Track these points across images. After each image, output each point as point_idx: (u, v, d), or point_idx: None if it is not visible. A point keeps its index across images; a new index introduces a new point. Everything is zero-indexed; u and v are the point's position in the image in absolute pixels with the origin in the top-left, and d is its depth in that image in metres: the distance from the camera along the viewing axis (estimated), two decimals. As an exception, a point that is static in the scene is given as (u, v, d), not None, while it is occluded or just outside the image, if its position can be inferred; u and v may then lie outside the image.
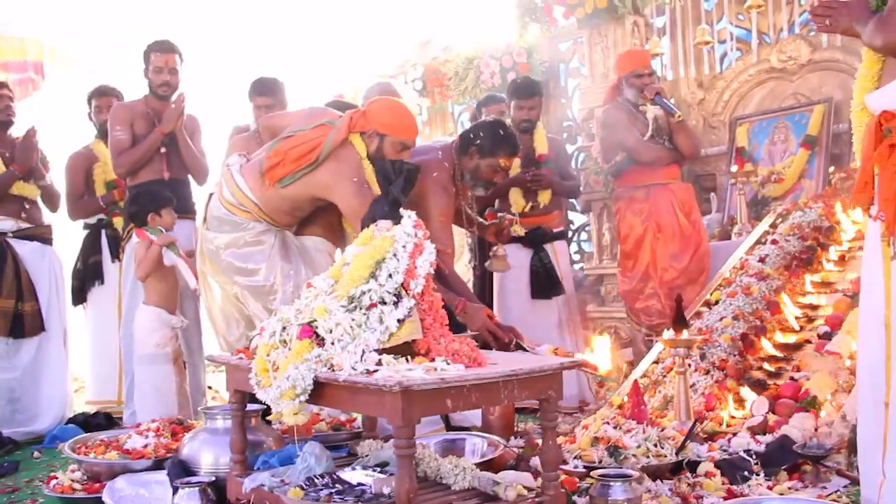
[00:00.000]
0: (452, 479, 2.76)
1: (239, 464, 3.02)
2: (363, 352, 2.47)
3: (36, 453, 4.59)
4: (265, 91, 4.91)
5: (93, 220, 5.62)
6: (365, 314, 2.57)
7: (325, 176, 3.75)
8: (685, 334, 3.72)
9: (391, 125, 3.81)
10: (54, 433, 4.76)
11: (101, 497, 3.22)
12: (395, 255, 2.67)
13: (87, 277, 5.55)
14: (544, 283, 5.27)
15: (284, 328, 2.68)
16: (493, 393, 2.45)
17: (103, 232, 5.57)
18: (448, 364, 2.45)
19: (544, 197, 5.34)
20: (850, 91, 5.79)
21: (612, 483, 2.91)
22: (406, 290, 2.63)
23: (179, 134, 5.03)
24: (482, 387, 2.41)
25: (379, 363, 2.44)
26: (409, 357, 2.51)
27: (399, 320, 2.56)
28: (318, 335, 2.59)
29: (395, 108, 3.92)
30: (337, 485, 2.72)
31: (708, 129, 6.70)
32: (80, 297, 5.55)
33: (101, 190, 5.56)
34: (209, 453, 3.25)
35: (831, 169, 5.57)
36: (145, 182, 4.99)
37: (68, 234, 5.69)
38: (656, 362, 4.42)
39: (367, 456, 3.08)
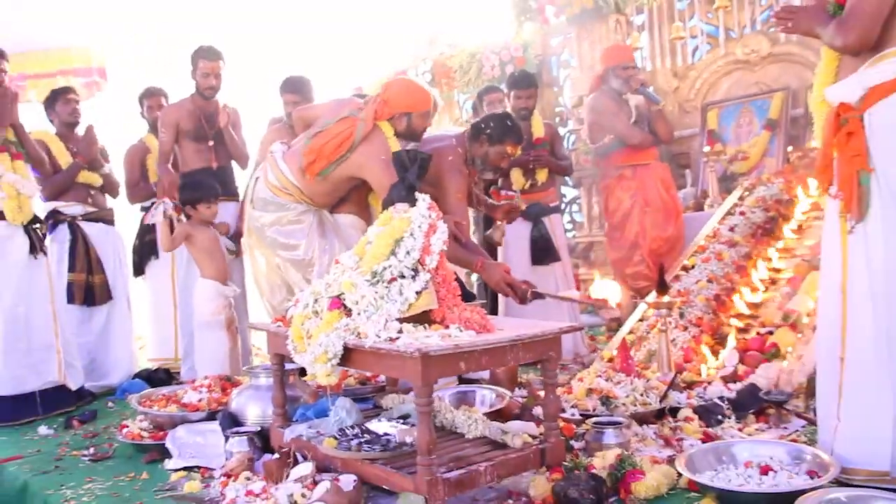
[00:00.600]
0: (466, 429, 2.73)
1: (280, 416, 3.00)
2: (385, 321, 2.44)
3: (110, 403, 4.60)
4: (293, 88, 4.85)
5: (148, 204, 5.56)
6: (387, 287, 2.53)
7: (359, 158, 3.73)
8: (667, 297, 3.67)
9: (412, 103, 3.82)
10: (124, 387, 4.75)
11: (164, 443, 3.22)
12: (412, 234, 2.62)
13: (144, 253, 5.49)
14: (543, 251, 5.20)
15: (316, 300, 2.64)
16: (500, 356, 2.42)
17: (158, 212, 5.53)
18: (461, 331, 2.42)
19: (542, 175, 5.26)
20: (806, 81, 5.83)
21: (604, 429, 2.90)
22: (422, 265, 2.58)
23: (225, 129, 4.99)
24: (491, 351, 2.37)
25: (400, 331, 2.41)
26: (426, 325, 2.48)
27: (417, 292, 2.52)
28: (345, 307, 2.55)
29: (409, 87, 3.92)
30: (366, 434, 2.70)
31: (682, 114, 6.61)
32: (139, 269, 5.51)
33: (154, 177, 5.51)
34: (254, 407, 3.24)
35: (790, 149, 5.49)
36: (196, 171, 4.94)
37: (128, 216, 5.65)
38: (641, 320, 4.39)
39: (391, 409, 3.06)
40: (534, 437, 2.67)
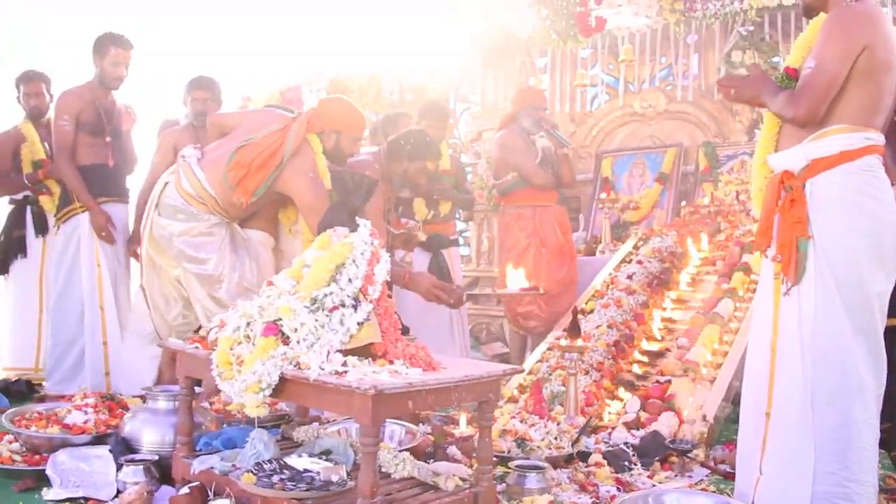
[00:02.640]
0: (393, 469, 2.63)
1: (185, 445, 2.78)
2: (328, 352, 2.31)
3: (-40, 418, 4.10)
4: (204, 86, 4.59)
5: (18, 196, 5.09)
6: (328, 315, 2.40)
7: (286, 173, 3.60)
8: (579, 342, 3.71)
9: (346, 123, 3.76)
10: (-23, 399, 4.31)
11: (42, 469, 2.89)
12: (354, 261, 2.52)
13: (10, 250, 5.03)
14: (440, 284, 5.18)
15: (249, 324, 2.47)
16: (446, 395, 2.34)
17: (28, 208, 5.06)
18: (408, 368, 2.32)
19: (444, 207, 5.27)
20: (697, 139, 6.14)
21: (527, 473, 2.87)
22: (364, 295, 2.48)
23: (125, 129, 4.65)
24: (439, 390, 2.29)
25: (344, 364, 2.28)
26: (369, 359, 2.37)
27: (359, 323, 2.41)
28: (283, 333, 2.40)
29: (347, 107, 3.84)
30: (285, 470, 2.53)
31: (577, 159, 6.78)
32: (2, 268, 5.04)
33: (29, 168, 5.05)
34: (151, 432, 2.99)
35: (683, 203, 5.74)
36: (89, 165, 4.49)
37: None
38: (540, 361, 4.41)
39: (305, 442, 2.90)
40: (464, 480, 2.60)
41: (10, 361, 5.00)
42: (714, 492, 3.03)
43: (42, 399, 4.28)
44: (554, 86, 6.96)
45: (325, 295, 2.44)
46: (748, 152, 5.88)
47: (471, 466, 3.02)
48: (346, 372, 2.23)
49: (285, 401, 2.47)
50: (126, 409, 3.54)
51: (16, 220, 5.06)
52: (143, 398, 3.28)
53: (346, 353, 2.35)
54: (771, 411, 2.58)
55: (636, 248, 5.28)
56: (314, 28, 8.01)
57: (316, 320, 2.38)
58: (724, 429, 3.79)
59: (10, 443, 3.15)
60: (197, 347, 2.66)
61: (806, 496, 2.48)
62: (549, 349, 4.47)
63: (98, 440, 3.07)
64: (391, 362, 2.35)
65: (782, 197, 2.58)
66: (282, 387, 2.32)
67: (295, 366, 2.30)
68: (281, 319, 2.41)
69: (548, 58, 6.95)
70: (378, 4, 7.70)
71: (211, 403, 3.48)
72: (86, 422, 3.16)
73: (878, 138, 2.52)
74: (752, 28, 6.04)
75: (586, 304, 4.79)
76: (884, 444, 2.93)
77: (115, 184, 4.56)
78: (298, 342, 2.35)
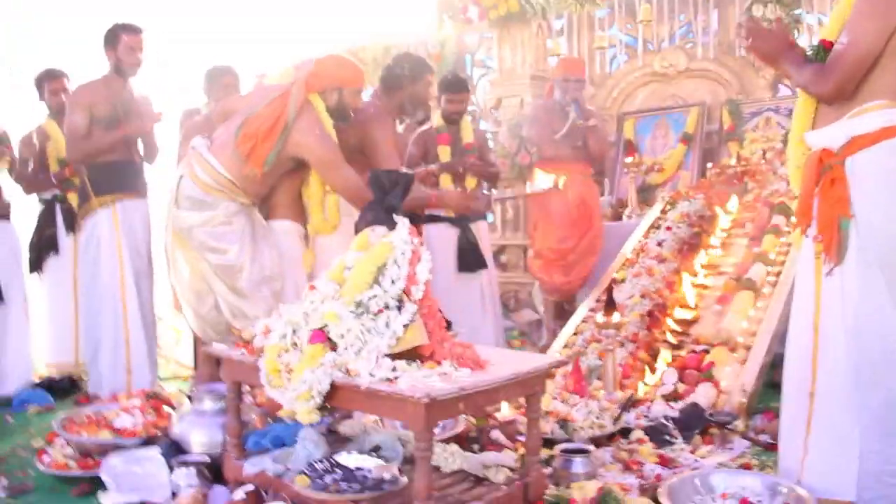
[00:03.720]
0: (443, 462, 2.67)
1: (236, 447, 2.83)
2: (377, 357, 2.33)
3: (8, 417, 4.16)
4: (228, 72, 4.62)
5: (48, 195, 5.14)
6: (373, 319, 2.42)
7: (293, 135, 3.61)
8: (616, 317, 3.72)
9: (345, 77, 3.76)
10: (23, 397, 4.39)
11: (96, 474, 2.96)
12: (395, 261, 2.52)
13: (42, 248, 5.09)
14: (470, 258, 5.18)
15: (295, 331, 2.49)
16: (495, 395, 2.37)
17: (58, 206, 5.11)
18: (456, 369, 2.35)
19: (471, 182, 5.24)
20: (720, 97, 6.05)
21: (572, 458, 2.91)
22: (408, 296, 2.49)
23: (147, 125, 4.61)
24: (488, 391, 2.32)
25: (394, 369, 2.31)
26: (418, 361, 2.39)
27: (404, 325, 2.43)
28: (329, 340, 2.42)
29: (343, 62, 3.85)
30: (337, 469, 2.58)
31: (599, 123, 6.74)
32: (36, 265, 5.10)
33: (55, 167, 5.08)
34: (199, 433, 3.03)
35: (709, 165, 5.69)
36: (106, 162, 4.45)
37: (24, 209, 5.18)
38: (575, 334, 4.43)
39: (355, 438, 2.93)
40: (513, 471, 2.64)
41: (50, 357, 5.09)
42: (756, 465, 3.07)
43: (86, 397, 4.36)
44: (571, 48, 6.85)
45: (370, 298, 2.45)
46: (773, 108, 5.79)
47: (515, 450, 3.07)
48: (396, 378, 2.25)
49: (337, 406, 2.48)
50: (171, 405, 3.62)
51: (46, 218, 5.11)
52: (190, 398, 3.33)
53: (393, 356, 2.37)
54: (815, 391, 2.58)
55: (664, 212, 5.24)
56: (326, 8, 7.96)
57: (362, 325, 2.40)
58: (763, 395, 3.81)
59: (63, 447, 3.22)
60: (243, 353, 2.69)
61: (853, 475, 2.49)
62: (583, 321, 4.48)
63: (148, 442, 3.14)
64: (439, 363, 2.37)
65: (822, 175, 2.55)
66: (333, 393, 2.35)
67: (345, 372, 2.33)
68: (327, 326, 2.43)
69: (563, 19, 6.82)
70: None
71: (254, 397, 3.53)
72: (134, 425, 3.22)
73: (919, 114, 2.47)
74: (773, -20, 5.90)
75: (617, 272, 4.79)
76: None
77: (134, 179, 4.53)
78: (346, 348, 2.37)
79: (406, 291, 2.48)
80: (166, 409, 3.47)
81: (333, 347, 2.40)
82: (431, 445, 2.22)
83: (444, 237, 5.10)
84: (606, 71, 6.77)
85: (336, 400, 2.37)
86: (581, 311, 4.60)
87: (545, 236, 5.33)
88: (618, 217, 5.88)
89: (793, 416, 2.70)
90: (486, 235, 5.47)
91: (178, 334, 5.60)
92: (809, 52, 2.64)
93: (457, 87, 5.19)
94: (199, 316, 3.91)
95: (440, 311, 2.61)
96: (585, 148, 5.22)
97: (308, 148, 3.62)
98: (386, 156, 3.91)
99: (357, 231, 2.79)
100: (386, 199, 2.69)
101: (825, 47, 2.58)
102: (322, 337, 2.41)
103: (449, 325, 2.74)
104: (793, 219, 4.12)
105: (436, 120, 5.22)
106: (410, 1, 7.77)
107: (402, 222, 2.63)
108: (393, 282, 2.48)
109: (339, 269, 2.64)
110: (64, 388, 4.56)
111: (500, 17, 6.55)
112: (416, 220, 4.99)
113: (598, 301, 4.56)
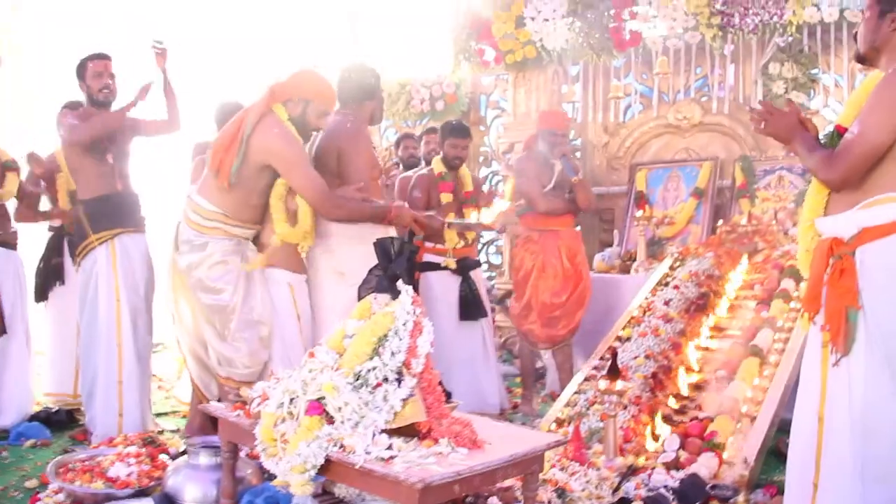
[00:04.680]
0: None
1: (229, 508, 2.81)
2: (373, 433, 2.31)
3: (3, 452, 4.15)
4: (239, 107, 4.62)
5: (57, 224, 5.16)
6: (371, 392, 2.40)
7: (253, 139, 3.61)
8: (619, 384, 3.69)
9: (316, 92, 3.73)
10: (19, 430, 4.38)
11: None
12: (396, 333, 2.50)
13: (49, 277, 5.10)
14: (472, 307, 5.21)
15: (292, 400, 2.48)
16: (492, 476, 2.34)
17: (65, 237, 5.12)
18: (453, 449, 2.32)
19: (471, 234, 5.30)
20: (733, 152, 6.05)
21: (571, 535, 2.88)
22: (407, 369, 2.47)
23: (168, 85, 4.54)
24: (485, 473, 2.29)
25: (390, 447, 2.28)
26: (415, 438, 2.36)
27: (402, 399, 2.41)
28: (326, 412, 2.41)
29: (318, 77, 3.83)
30: (332, 537, 2.56)
31: (610, 170, 6.74)
32: (41, 294, 5.11)
33: (65, 198, 5.08)
34: (193, 488, 3.04)
35: (720, 222, 5.66)
36: (98, 197, 4.42)
37: (29, 237, 5.20)
38: (577, 393, 4.39)
39: (347, 499, 2.91)
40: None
41: (50, 387, 5.08)
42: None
43: (83, 434, 4.34)
44: (586, 95, 6.86)
45: (369, 370, 2.43)
46: (786, 167, 5.78)
47: (513, 519, 3.03)
48: (392, 458, 2.23)
49: (330, 479, 2.46)
50: (167, 452, 3.59)
51: (54, 247, 5.14)
52: (185, 452, 3.31)
53: (390, 432, 2.35)
54: (819, 482, 2.55)
55: (672, 269, 5.22)
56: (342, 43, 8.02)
57: (360, 398, 2.39)
58: (766, 466, 3.76)
59: (55, 493, 3.20)
60: (239, 415, 2.68)
61: (855, 572, 2.46)
62: (585, 380, 4.44)
63: (141, 493, 3.12)
64: (436, 441, 2.35)
65: (831, 264, 2.53)
66: (327, 466, 2.33)
67: (340, 448, 2.31)
68: (324, 398, 2.41)
69: (580, 66, 6.85)
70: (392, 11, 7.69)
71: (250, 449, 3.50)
72: (129, 475, 3.20)
73: (930, 209, 2.45)
74: (790, 39, 5.91)
75: (623, 330, 4.75)
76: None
77: (129, 214, 4.49)
78: (343, 422, 2.35)
79: (406, 364, 2.46)
80: (162, 457, 3.46)
81: (330, 420, 2.38)
82: (425, 529, 2.18)
83: (444, 285, 5.19)
84: (620, 120, 6.76)
85: (330, 474, 2.36)
86: (584, 370, 4.56)
87: (539, 290, 5.29)
88: (626, 270, 5.84)
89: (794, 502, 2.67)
90: (482, 282, 5.53)
91: (180, 365, 5.58)
92: (822, 137, 2.65)
93: (460, 133, 5.25)
94: (205, 368, 3.90)
95: (440, 383, 2.59)
96: (573, 201, 5.22)
97: (268, 149, 3.62)
98: (360, 172, 3.89)
99: (360, 298, 2.78)
100: (390, 267, 2.67)
101: (839, 133, 2.57)
102: (319, 409, 2.39)
103: (448, 397, 2.72)
104: (802, 284, 4.10)
105: (436, 165, 5.25)
106: (427, 41, 7.82)
107: (406, 291, 2.62)
108: (393, 354, 2.46)
109: (339, 336, 2.63)
110: (60, 421, 4.55)
111: (516, 62, 6.58)
112: (417, 268, 5.07)
113: (601, 359, 4.52)
